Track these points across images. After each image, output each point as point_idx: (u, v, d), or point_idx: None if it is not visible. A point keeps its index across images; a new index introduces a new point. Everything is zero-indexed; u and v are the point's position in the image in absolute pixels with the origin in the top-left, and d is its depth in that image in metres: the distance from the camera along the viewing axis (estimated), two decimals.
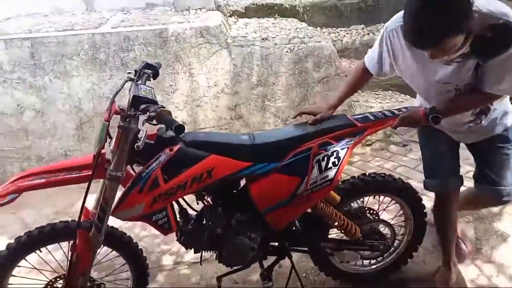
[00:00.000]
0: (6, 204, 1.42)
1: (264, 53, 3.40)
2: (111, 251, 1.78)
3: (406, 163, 3.29)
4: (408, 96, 4.07)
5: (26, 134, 3.26)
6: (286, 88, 3.51)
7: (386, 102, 4.07)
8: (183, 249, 2.43)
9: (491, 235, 2.37)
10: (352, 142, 1.68)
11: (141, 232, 2.62)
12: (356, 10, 5.07)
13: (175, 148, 1.52)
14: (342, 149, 1.65)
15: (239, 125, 3.51)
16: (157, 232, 2.56)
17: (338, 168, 1.64)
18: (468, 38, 1.30)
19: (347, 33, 4.90)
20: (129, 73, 1.61)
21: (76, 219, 1.56)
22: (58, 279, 1.69)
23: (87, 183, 1.47)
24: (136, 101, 1.41)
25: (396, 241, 2.05)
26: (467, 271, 2.06)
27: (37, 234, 1.60)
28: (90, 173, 1.47)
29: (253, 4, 4.39)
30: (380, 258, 2.06)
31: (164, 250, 2.49)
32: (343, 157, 1.65)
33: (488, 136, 1.74)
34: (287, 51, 3.43)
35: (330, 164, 1.63)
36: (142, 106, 1.38)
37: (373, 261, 2.09)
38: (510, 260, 2.19)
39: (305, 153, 1.64)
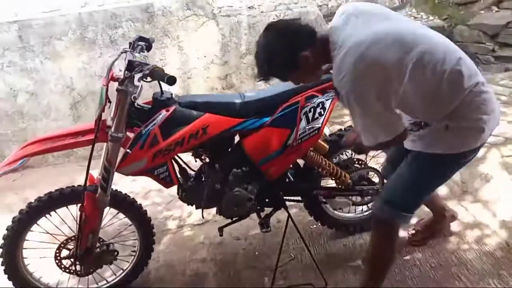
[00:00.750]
0: (18, 168, 1.51)
1: (251, 21, 3.44)
2: (117, 213, 1.88)
3: None
4: None
5: (21, 116, 3.32)
6: None
7: None
8: (185, 213, 2.59)
9: (476, 178, 2.50)
10: None
11: (143, 202, 2.72)
12: None
13: (171, 108, 1.62)
14: (327, 100, 1.76)
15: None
16: (158, 200, 2.76)
17: (324, 118, 1.76)
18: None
19: None
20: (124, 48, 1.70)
21: None
22: (69, 240, 1.80)
23: (90, 150, 1.57)
24: (131, 64, 1.50)
25: None
26: (456, 210, 2.20)
27: (47, 199, 1.71)
28: (93, 137, 1.56)
29: None
30: (372, 204, 2.19)
31: (167, 216, 2.61)
32: (328, 107, 1.77)
33: (413, 148, 1.52)
34: (273, 18, 3.47)
35: (317, 115, 1.75)
36: (137, 68, 1.46)
37: (365, 208, 2.22)
38: (493, 198, 2.34)
39: (293, 106, 1.74)
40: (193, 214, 2.53)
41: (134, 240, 1.95)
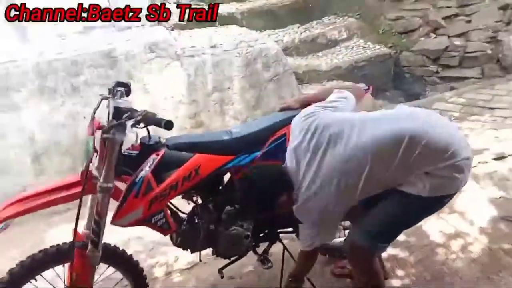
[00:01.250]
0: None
1: (215, 59, 3.50)
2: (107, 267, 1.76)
3: None
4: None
5: None
6: (241, 90, 3.64)
7: None
8: (171, 259, 2.48)
9: None
10: None
11: None
12: (290, 11, 5.34)
13: (161, 152, 1.59)
14: None
15: (201, 132, 3.57)
16: (139, 248, 2.62)
17: None
18: None
19: (286, 33, 5.16)
20: (101, 95, 1.65)
21: None
22: None
23: (78, 203, 1.47)
24: (118, 111, 1.45)
25: None
26: (437, 224, 2.30)
27: (30, 262, 1.56)
28: (80, 190, 1.48)
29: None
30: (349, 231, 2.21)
31: (152, 263, 2.47)
32: None
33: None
34: (236, 56, 3.57)
35: None
36: (125, 115, 1.42)
37: None
38: (467, 207, 2.50)
39: (281, 138, 1.76)
40: (180, 258, 2.42)
41: None
